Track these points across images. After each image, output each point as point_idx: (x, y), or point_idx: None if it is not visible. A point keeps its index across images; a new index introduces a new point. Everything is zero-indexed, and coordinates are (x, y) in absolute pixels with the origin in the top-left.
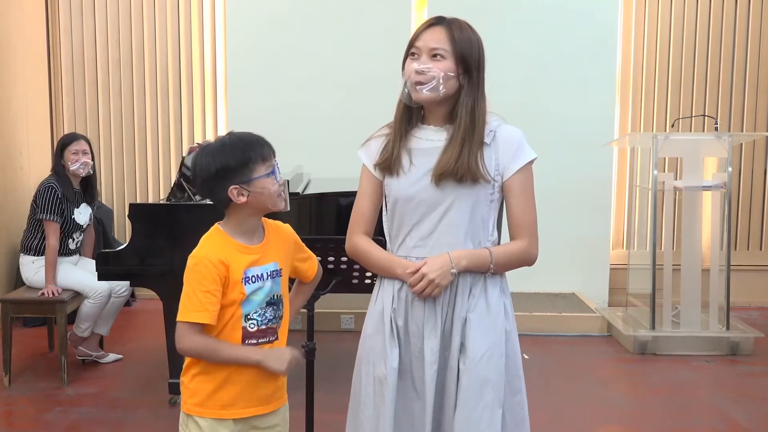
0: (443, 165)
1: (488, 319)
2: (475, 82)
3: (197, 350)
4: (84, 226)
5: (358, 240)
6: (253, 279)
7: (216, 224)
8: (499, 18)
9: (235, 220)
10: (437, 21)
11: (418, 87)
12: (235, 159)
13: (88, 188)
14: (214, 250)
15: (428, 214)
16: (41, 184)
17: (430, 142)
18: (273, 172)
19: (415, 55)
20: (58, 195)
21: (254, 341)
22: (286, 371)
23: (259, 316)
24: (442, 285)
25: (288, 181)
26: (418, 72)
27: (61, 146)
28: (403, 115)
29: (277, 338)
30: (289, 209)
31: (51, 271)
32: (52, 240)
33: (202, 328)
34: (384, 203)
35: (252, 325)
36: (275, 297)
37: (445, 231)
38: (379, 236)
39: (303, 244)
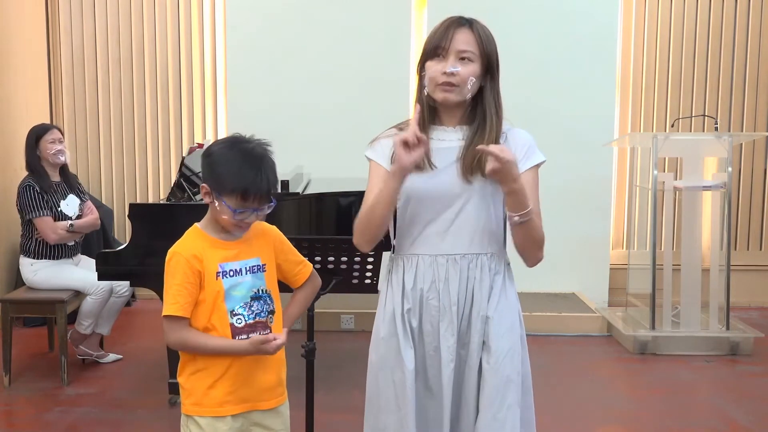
0: (471, 158)
1: (509, 318)
2: (497, 82)
3: (182, 343)
4: (74, 218)
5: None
6: (231, 273)
7: (195, 223)
8: (499, 18)
9: (210, 216)
10: (460, 22)
11: (445, 88)
12: (224, 169)
13: (69, 180)
14: (186, 245)
15: (444, 210)
16: (19, 186)
17: (446, 142)
18: (238, 212)
19: (441, 56)
20: (37, 190)
21: (245, 336)
22: (273, 352)
23: (244, 311)
24: (505, 167)
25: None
26: (447, 74)
27: (36, 137)
28: (422, 117)
29: (269, 332)
30: (240, 237)
31: (83, 227)
32: (52, 235)
33: (187, 322)
34: None
35: (239, 321)
36: (261, 291)
37: (462, 225)
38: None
39: (294, 248)
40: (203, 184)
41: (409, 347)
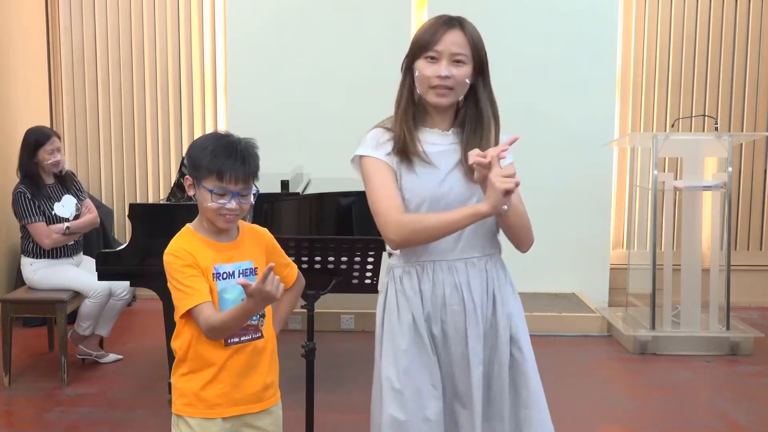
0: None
1: (522, 311)
2: (489, 81)
3: (220, 326)
4: (71, 219)
5: (403, 216)
6: (224, 276)
7: (187, 224)
8: (499, 18)
9: (200, 216)
10: (451, 23)
11: (440, 92)
12: (200, 153)
13: (64, 181)
14: (179, 244)
15: None
16: (12, 191)
17: (440, 146)
18: (215, 192)
19: (435, 59)
20: (28, 197)
21: (236, 339)
22: (277, 293)
23: None
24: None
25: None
26: (441, 77)
27: (35, 145)
28: (408, 114)
29: (261, 336)
30: (228, 228)
31: (80, 228)
32: (45, 240)
33: (211, 305)
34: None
35: None
36: None
37: (476, 227)
38: (376, 236)
39: (282, 250)
40: (186, 177)
41: (434, 364)
